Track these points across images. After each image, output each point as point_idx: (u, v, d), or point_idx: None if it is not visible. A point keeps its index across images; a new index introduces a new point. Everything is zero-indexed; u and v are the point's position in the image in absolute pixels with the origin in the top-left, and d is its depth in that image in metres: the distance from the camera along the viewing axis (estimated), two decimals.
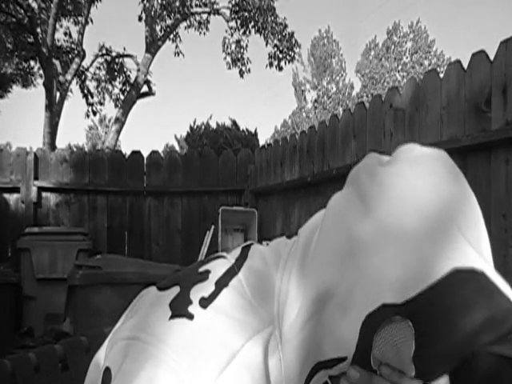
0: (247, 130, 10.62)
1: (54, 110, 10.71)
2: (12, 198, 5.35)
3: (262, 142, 11.26)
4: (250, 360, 0.60)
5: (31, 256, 4.60)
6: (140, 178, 5.59)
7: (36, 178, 5.35)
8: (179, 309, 0.62)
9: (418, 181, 0.57)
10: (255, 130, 10.70)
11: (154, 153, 5.68)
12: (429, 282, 0.52)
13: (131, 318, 0.65)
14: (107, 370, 0.61)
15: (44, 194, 5.45)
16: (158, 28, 12.03)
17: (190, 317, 0.61)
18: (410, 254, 0.53)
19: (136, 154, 5.64)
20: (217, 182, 5.57)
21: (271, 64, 12.08)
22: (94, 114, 13.03)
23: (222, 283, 0.65)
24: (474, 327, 0.52)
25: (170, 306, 0.63)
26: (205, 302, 0.62)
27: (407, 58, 25.23)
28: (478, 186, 2.54)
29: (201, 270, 0.68)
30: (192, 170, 5.59)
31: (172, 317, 0.61)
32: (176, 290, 0.65)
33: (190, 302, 0.62)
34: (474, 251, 0.55)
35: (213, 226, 4.77)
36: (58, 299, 4.07)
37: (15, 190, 5.32)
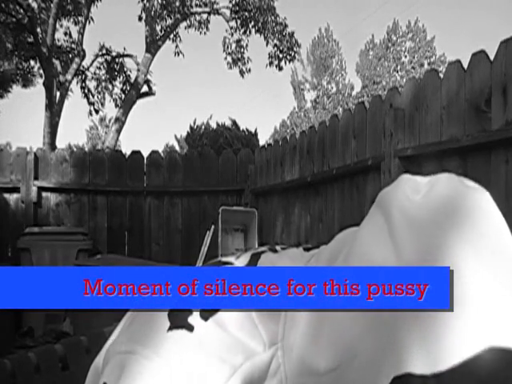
0: (247, 129, 10.62)
1: (54, 110, 10.71)
2: (12, 197, 5.35)
3: (262, 142, 11.26)
4: (248, 379, 0.57)
5: (31, 256, 4.60)
6: (140, 178, 5.59)
7: (36, 178, 5.35)
8: (178, 320, 0.59)
9: (459, 229, 0.49)
10: (255, 130, 10.71)
11: (154, 153, 5.68)
12: (462, 358, 0.46)
13: (128, 326, 0.63)
14: None
15: (44, 194, 5.45)
16: (158, 28, 12.03)
17: (190, 328, 0.58)
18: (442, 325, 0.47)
19: (136, 154, 5.64)
20: (217, 182, 5.57)
21: (271, 64, 12.08)
22: (97, 112, 13.05)
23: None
24: None
25: (168, 315, 0.59)
26: (206, 314, 0.59)
27: (406, 57, 25.24)
28: None
29: None
30: (192, 170, 5.59)
31: (170, 328, 0.58)
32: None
33: (191, 313, 0.59)
34: None
35: (213, 226, 4.77)
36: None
37: (15, 189, 5.32)
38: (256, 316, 0.60)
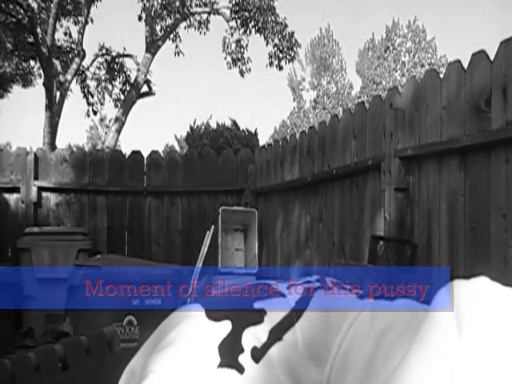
0: (247, 129, 10.63)
1: (54, 110, 10.71)
2: (12, 197, 5.35)
3: (262, 142, 11.26)
4: None
5: (31, 256, 4.60)
6: (140, 178, 5.59)
7: (36, 178, 5.35)
8: (229, 357, 0.57)
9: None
10: (255, 130, 10.71)
11: (154, 153, 5.68)
12: None
13: (169, 346, 0.60)
14: None
15: (44, 194, 5.44)
16: (158, 28, 12.03)
17: (241, 370, 0.57)
18: None
19: (136, 154, 5.64)
20: (217, 182, 5.57)
21: (271, 63, 12.08)
22: (95, 113, 13.03)
23: (276, 334, 0.60)
24: None
25: (218, 348, 0.58)
26: (257, 354, 0.58)
27: (405, 56, 25.23)
28: (477, 186, 2.54)
29: (256, 306, 0.63)
30: (192, 170, 5.59)
31: (221, 365, 0.57)
32: (227, 326, 0.60)
33: (242, 351, 0.58)
34: None
35: (213, 226, 4.77)
36: (58, 299, 4.06)
37: (15, 189, 5.32)
38: (306, 358, 0.59)
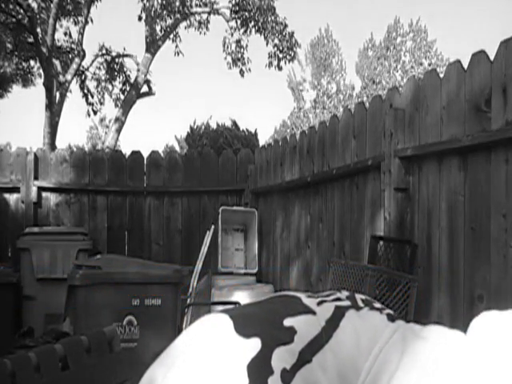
0: (247, 130, 10.62)
1: (53, 110, 10.71)
2: (12, 197, 5.35)
3: (261, 142, 11.26)
4: None
5: (31, 256, 4.60)
6: (140, 178, 5.59)
7: (36, 178, 5.35)
8: (258, 378, 0.56)
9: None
10: (255, 130, 10.70)
11: (153, 153, 5.68)
12: None
13: (194, 358, 0.59)
14: None
15: (44, 194, 5.45)
16: (157, 28, 12.03)
17: None
18: None
19: (136, 154, 5.64)
20: (217, 182, 5.57)
21: (271, 64, 12.08)
22: (95, 113, 13.03)
23: (306, 355, 0.59)
24: None
25: (247, 368, 0.56)
26: (287, 376, 0.56)
27: (406, 56, 25.22)
28: (478, 186, 2.54)
29: (286, 323, 0.62)
30: (192, 170, 5.59)
31: None
32: (256, 344, 0.58)
33: (272, 372, 0.56)
34: None
35: (213, 226, 4.76)
36: (57, 299, 4.06)
37: (15, 189, 5.32)
38: (334, 380, 0.59)
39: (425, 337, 0.62)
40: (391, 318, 0.66)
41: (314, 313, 0.64)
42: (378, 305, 0.69)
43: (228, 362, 0.57)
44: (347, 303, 0.67)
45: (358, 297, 0.70)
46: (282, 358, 0.58)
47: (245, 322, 0.62)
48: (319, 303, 0.67)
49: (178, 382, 0.58)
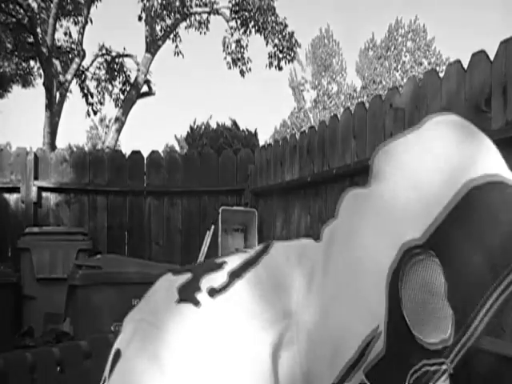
0: (247, 129, 10.62)
1: (53, 110, 10.71)
2: (12, 197, 5.35)
3: (261, 142, 11.26)
4: (254, 351, 0.59)
5: (31, 256, 4.60)
6: (140, 178, 5.59)
7: (36, 178, 5.35)
8: (186, 294, 0.62)
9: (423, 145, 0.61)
10: (255, 130, 10.71)
11: (153, 153, 5.68)
12: (444, 206, 0.54)
13: (148, 296, 0.67)
14: (117, 352, 0.63)
15: (44, 194, 5.44)
16: (158, 28, 12.03)
17: (197, 304, 0.61)
18: (418, 190, 0.56)
19: (136, 154, 5.64)
20: (217, 182, 5.57)
21: (271, 64, 12.08)
22: (95, 113, 13.02)
23: (236, 274, 0.64)
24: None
25: (178, 290, 0.63)
26: (214, 292, 0.62)
27: (406, 56, 25.22)
28: None
29: (218, 261, 0.67)
30: (192, 170, 5.59)
31: (178, 301, 0.61)
32: (187, 275, 0.65)
33: (199, 289, 0.62)
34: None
35: (213, 226, 4.77)
36: (58, 299, 4.06)
37: (15, 189, 5.32)
38: (269, 292, 0.62)
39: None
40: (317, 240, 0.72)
41: (245, 251, 0.69)
42: None
43: (163, 292, 0.65)
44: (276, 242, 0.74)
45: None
46: (210, 279, 0.63)
47: (181, 267, 0.69)
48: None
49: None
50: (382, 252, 0.56)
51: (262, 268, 0.64)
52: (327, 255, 0.64)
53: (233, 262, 0.66)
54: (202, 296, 0.61)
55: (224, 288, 0.62)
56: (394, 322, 0.54)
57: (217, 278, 0.63)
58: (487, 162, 0.58)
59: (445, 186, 0.55)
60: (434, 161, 0.59)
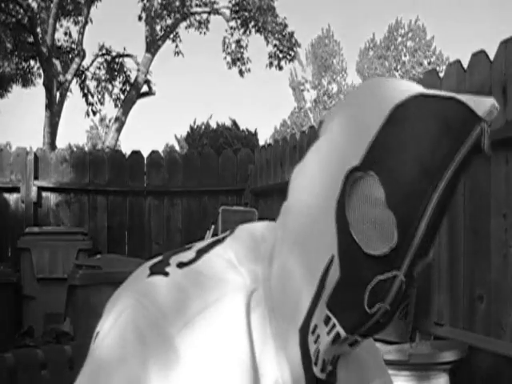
0: (247, 129, 10.62)
1: (54, 110, 10.71)
2: (12, 197, 5.35)
3: (261, 142, 11.26)
4: (223, 311, 0.64)
5: (31, 256, 4.60)
6: (140, 177, 5.59)
7: (36, 178, 5.35)
8: (157, 269, 0.67)
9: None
10: (255, 130, 10.70)
11: (153, 153, 5.68)
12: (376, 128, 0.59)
13: (128, 279, 0.72)
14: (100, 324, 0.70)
15: (44, 194, 5.44)
16: (157, 28, 12.02)
17: (166, 274, 0.66)
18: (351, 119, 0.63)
19: (136, 154, 5.64)
20: (217, 182, 5.57)
21: (271, 64, 12.07)
22: (94, 113, 13.01)
23: (203, 250, 0.69)
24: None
25: (149, 268, 0.68)
26: (182, 265, 0.67)
27: (406, 56, 25.22)
28: (477, 186, 2.54)
29: (188, 245, 0.73)
30: (192, 170, 5.59)
31: (149, 275, 0.67)
32: (159, 258, 0.71)
33: (168, 264, 0.68)
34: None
35: (213, 226, 4.76)
36: (58, 299, 4.07)
37: (15, 189, 5.32)
38: (236, 260, 0.67)
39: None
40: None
41: (214, 237, 0.75)
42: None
43: (137, 272, 0.70)
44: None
45: None
46: (179, 257, 0.69)
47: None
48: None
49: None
50: (329, 189, 0.62)
51: (229, 243, 0.70)
52: (285, 214, 0.71)
53: (201, 243, 0.72)
54: (170, 268, 0.67)
55: (192, 261, 0.67)
56: (345, 245, 0.58)
57: (185, 255, 0.69)
58: (406, 85, 0.64)
59: (375, 112, 0.61)
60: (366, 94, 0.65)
